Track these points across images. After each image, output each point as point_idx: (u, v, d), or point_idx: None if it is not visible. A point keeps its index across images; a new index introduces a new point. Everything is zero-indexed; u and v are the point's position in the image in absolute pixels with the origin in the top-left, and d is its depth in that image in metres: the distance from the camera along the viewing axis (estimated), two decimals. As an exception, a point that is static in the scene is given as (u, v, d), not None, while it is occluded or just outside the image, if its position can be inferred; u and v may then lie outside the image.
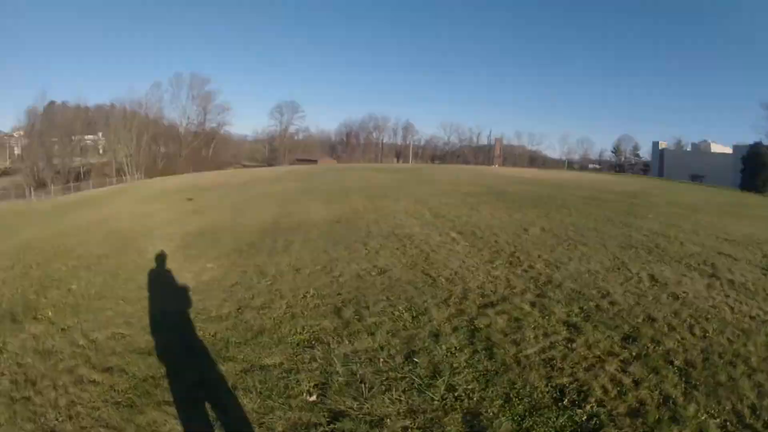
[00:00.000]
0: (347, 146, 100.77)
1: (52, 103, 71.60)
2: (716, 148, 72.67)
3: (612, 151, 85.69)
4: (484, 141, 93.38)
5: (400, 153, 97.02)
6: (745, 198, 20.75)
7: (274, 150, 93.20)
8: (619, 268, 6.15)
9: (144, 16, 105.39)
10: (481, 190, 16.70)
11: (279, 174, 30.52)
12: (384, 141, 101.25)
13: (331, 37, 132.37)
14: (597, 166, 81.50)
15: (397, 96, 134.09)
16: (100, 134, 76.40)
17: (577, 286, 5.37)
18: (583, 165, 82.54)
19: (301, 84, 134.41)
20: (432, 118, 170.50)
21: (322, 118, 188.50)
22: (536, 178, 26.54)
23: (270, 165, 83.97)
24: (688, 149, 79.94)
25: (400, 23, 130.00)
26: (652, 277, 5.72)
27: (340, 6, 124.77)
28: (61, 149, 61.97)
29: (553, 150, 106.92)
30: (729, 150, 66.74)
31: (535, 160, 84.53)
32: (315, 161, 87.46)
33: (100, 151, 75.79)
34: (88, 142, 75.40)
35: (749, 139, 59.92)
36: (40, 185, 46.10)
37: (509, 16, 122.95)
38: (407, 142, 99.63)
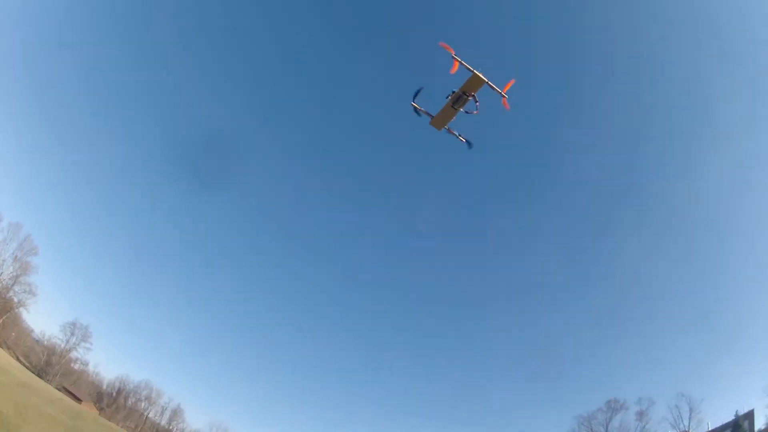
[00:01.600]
0: (114, 403, 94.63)
1: None
2: None
3: None
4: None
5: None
6: None
7: (50, 364, 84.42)
8: None
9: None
10: None
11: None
12: (149, 415, 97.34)
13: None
14: None
15: (179, 375, 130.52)
16: None
17: None
18: None
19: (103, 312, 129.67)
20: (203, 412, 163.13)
21: (107, 355, 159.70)
22: None
23: (40, 376, 76.95)
24: None
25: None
26: None
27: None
28: None
29: None
30: None
31: None
32: (79, 401, 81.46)
33: None
34: None
35: None
36: None
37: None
38: (171, 427, 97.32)
